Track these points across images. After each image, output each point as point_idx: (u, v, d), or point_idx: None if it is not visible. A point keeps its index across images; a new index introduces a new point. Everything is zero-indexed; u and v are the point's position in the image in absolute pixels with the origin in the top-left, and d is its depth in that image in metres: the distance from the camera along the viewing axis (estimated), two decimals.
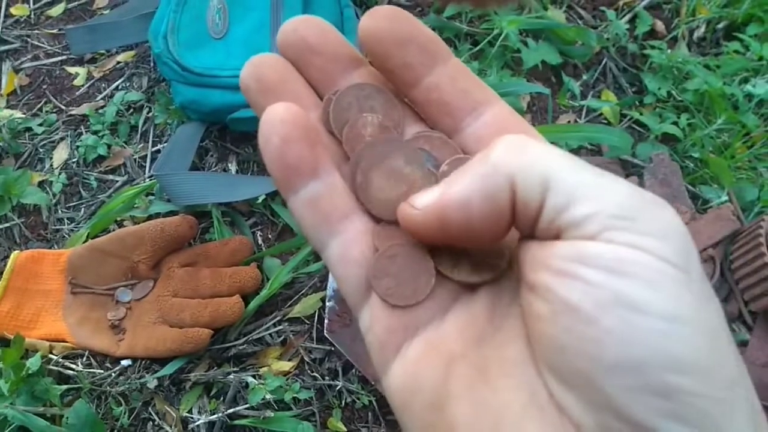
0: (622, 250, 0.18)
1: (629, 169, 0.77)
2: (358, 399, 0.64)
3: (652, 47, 0.86)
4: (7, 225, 0.75)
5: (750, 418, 0.18)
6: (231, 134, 0.78)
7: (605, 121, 0.82)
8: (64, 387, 0.64)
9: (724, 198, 0.74)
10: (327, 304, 0.66)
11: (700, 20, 0.90)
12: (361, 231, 0.23)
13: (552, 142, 0.74)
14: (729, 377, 0.18)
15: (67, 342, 0.67)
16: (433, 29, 0.85)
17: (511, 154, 0.20)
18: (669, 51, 0.86)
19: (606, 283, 0.18)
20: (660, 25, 0.90)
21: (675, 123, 0.79)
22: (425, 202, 0.21)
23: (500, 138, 0.20)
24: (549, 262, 0.19)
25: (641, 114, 0.80)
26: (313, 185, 0.22)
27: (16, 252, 0.70)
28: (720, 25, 0.89)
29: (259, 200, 0.73)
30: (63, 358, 0.66)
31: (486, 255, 0.22)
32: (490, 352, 0.21)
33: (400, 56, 0.23)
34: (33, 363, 0.63)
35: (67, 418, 0.60)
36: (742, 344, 0.68)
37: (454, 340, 0.21)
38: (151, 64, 0.85)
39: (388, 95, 0.24)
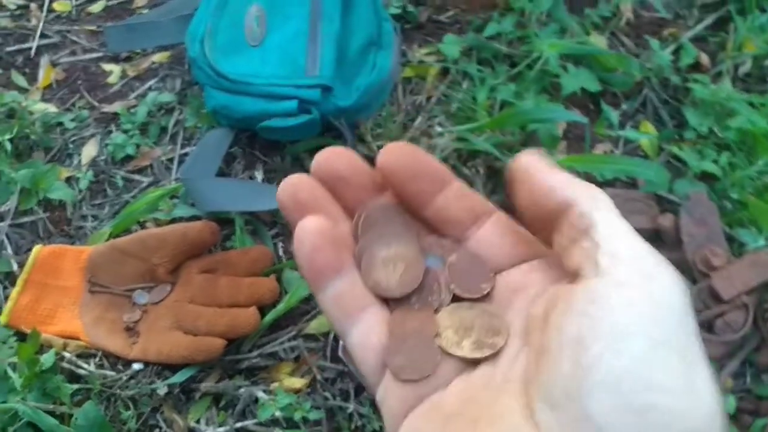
0: (625, 290, 0.21)
1: (665, 206, 0.74)
2: (369, 423, 0.62)
3: (696, 81, 0.83)
4: (32, 218, 0.75)
5: None
6: (260, 142, 0.78)
7: (642, 154, 0.80)
8: (75, 386, 0.64)
9: (762, 242, 0.71)
10: None
11: (747, 56, 0.87)
12: (377, 320, 0.27)
13: (586, 172, 0.72)
14: (707, 404, 0.20)
15: (81, 340, 0.67)
16: (471, 49, 0.85)
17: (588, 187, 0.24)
18: (713, 85, 0.83)
19: (604, 317, 0.21)
20: (705, 58, 0.88)
21: (715, 161, 0.76)
22: (530, 157, 0.26)
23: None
24: (569, 304, 0.22)
25: (680, 149, 0.78)
26: (337, 283, 0.27)
27: (39, 246, 0.70)
28: (767, 62, 0.86)
29: None
30: (76, 356, 0.66)
31: (486, 335, 0.26)
32: (483, 410, 0.24)
33: (415, 186, 0.27)
34: (47, 360, 0.63)
35: (75, 418, 0.60)
36: None
37: (452, 402, 0.25)
38: (185, 67, 0.85)
39: (405, 217, 0.29)
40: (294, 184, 0.28)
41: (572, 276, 0.24)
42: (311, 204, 0.28)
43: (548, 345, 0.22)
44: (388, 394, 0.26)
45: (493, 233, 0.28)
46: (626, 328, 0.21)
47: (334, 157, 0.28)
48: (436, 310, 0.27)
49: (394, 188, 0.28)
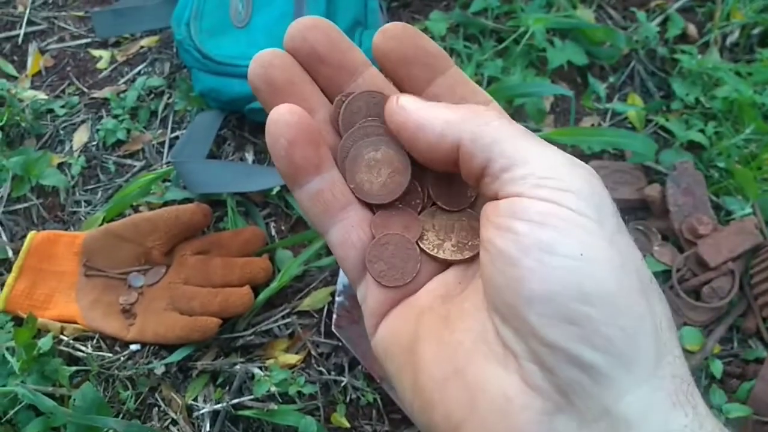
0: (544, 205, 0.22)
1: (652, 176, 0.75)
2: (363, 396, 0.63)
3: (683, 51, 0.83)
4: (25, 205, 0.76)
5: (654, 349, 0.21)
6: (249, 124, 0.78)
7: (630, 126, 0.80)
8: (74, 368, 0.65)
9: (748, 210, 0.72)
10: (336, 299, 0.66)
11: (735, 25, 0.87)
12: (358, 219, 0.27)
13: (573, 145, 0.72)
14: (636, 311, 0.21)
15: (78, 324, 0.68)
16: (458, 25, 0.85)
17: (472, 117, 0.24)
18: (700, 56, 0.83)
19: (529, 232, 0.22)
20: (692, 29, 0.88)
21: (702, 131, 0.77)
22: (406, 104, 0.25)
23: (472, 105, 0.25)
24: (491, 218, 0.23)
25: (667, 120, 0.78)
26: (316, 181, 0.26)
27: (33, 232, 0.71)
28: (755, 31, 0.87)
29: (274, 191, 0.73)
30: (74, 339, 0.67)
31: (466, 236, 0.26)
32: (452, 306, 0.25)
33: (406, 71, 0.27)
34: (44, 343, 0.64)
35: (74, 399, 0.61)
36: (758, 361, 0.66)
37: (425, 299, 0.26)
38: (174, 50, 0.85)
39: None
40: (266, 62, 0.26)
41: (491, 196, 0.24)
42: (287, 88, 0.26)
43: (483, 258, 0.23)
44: (368, 294, 0.27)
45: None
46: (549, 241, 0.21)
47: (310, 30, 0.26)
48: (419, 213, 0.27)
49: (387, 72, 0.27)
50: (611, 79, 0.84)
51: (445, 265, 0.26)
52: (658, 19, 0.88)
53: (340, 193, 0.26)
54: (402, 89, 0.27)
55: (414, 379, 0.24)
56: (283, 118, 0.24)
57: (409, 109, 0.25)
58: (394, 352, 0.25)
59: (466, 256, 0.26)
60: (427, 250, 0.26)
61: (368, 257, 0.26)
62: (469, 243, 0.26)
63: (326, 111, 0.27)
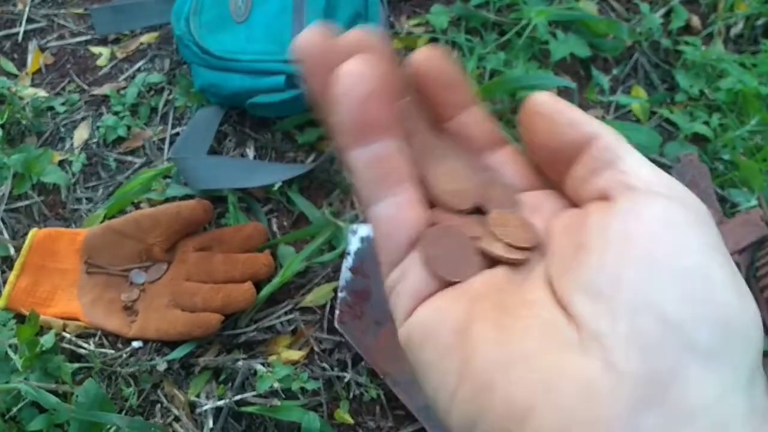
0: (667, 202, 0.22)
1: None
2: (367, 392, 0.63)
3: (687, 43, 0.83)
4: (26, 203, 0.76)
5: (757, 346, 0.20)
6: (250, 119, 0.78)
7: (634, 118, 0.80)
8: (76, 365, 0.65)
9: (754, 202, 0.71)
10: (339, 294, 0.66)
11: (739, 16, 0.86)
12: (414, 199, 0.25)
13: None
14: (753, 307, 0.20)
15: (80, 321, 0.67)
16: (460, 18, 0.84)
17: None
18: (704, 48, 0.83)
19: (656, 215, 0.21)
20: (696, 21, 0.87)
21: (706, 123, 0.76)
22: (550, 98, 0.25)
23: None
24: (609, 207, 0.22)
25: (671, 112, 0.78)
26: (382, 144, 0.24)
27: (35, 229, 0.71)
28: (759, 22, 0.86)
29: (276, 187, 0.73)
30: (76, 336, 0.67)
31: (519, 240, 0.25)
32: (511, 296, 0.23)
33: (446, 94, 0.26)
34: (47, 340, 0.64)
35: (77, 396, 0.61)
36: (765, 355, 0.66)
37: (479, 288, 0.24)
38: (174, 46, 0.85)
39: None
40: (322, 33, 0.24)
41: (596, 200, 0.24)
42: (342, 56, 0.24)
43: (589, 242, 0.22)
44: (410, 275, 0.25)
45: (506, 160, 0.28)
46: (677, 228, 0.21)
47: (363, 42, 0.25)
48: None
49: (425, 91, 0.27)
50: (614, 72, 0.83)
51: (493, 262, 0.25)
52: (662, 11, 0.87)
53: (402, 165, 0.24)
54: (434, 112, 0.27)
55: (465, 361, 0.22)
56: (358, 68, 0.22)
57: (555, 97, 0.25)
58: (439, 332, 0.23)
59: (518, 257, 0.25)
60: (484, 246, 0.25)
61: (427, 240, 0.25)
62: (522, 245, 0.25)
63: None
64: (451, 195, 0.26)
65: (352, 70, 0.22)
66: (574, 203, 0.25)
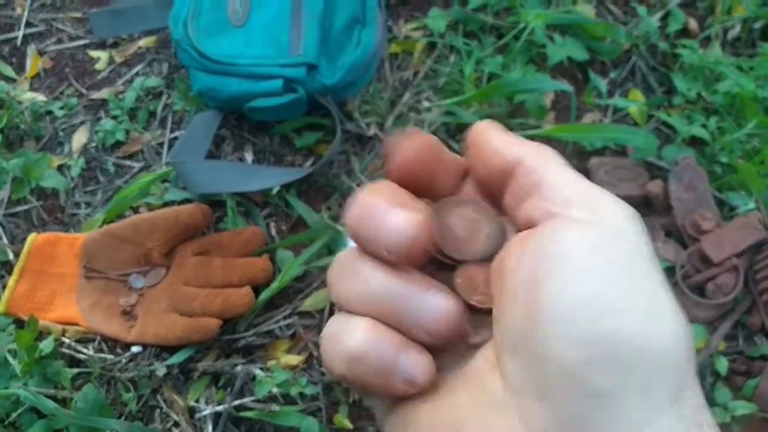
0: (577, 226, 0.22)
1: (654, 172, 0.75)
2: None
3: (684, 46, 0.83)
4: (25, 207, 0.76)
5: (677, 373, 0.20)
6: (248, 123, 0.78)
7: (631, 122, 0.80)
8: (75, 370, 0.65)
9: (752, 206, 0.71)
10: None
11: (736, 19, 0.86)
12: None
13: (575, 142, 0.72)
14: (668, 328, 0.20)
15: (79, 326, 0.67)
16: (457, 22, 0.84)
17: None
18: (701, 51, 0.83)
19: (558, 252, 0.21)
20: (693, 24, 0.87)
21: (704, 126, 0.76)
22: (481, 127, 0.26)
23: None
24: (522, 242, 0.23)
25: (669, 115, 0.78)
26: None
27: (33, 234, 0.71)
28: (757, 25, 0.86)
29: (274, 191, 0.73)
30: (75, 341, 0.67)
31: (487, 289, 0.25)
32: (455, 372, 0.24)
33: (435, 182, 0.26)
34: (46, 345, 0.64)
35: (76, 401, 0.61)
36: (764, 358, 0.66)
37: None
38: (172, 51, 0.85)
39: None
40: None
41: (524, 228, 0.23)
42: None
43: (505, 290, 0.22)
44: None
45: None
46: (578, 260, 0.20)
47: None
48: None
49: (407, 181, 0.26)
50: (612, 75, 0.83)
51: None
52: (659, 14, 0.87)
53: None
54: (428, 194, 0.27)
55: None
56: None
57: (487, 125, 0.26)
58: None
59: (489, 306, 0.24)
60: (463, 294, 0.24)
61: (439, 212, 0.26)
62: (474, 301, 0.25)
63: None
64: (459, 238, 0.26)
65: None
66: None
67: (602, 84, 0.82)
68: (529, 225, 0.23)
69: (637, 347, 0.19)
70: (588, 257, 0.20)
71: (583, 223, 0.21)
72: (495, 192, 0.26)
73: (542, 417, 0.20)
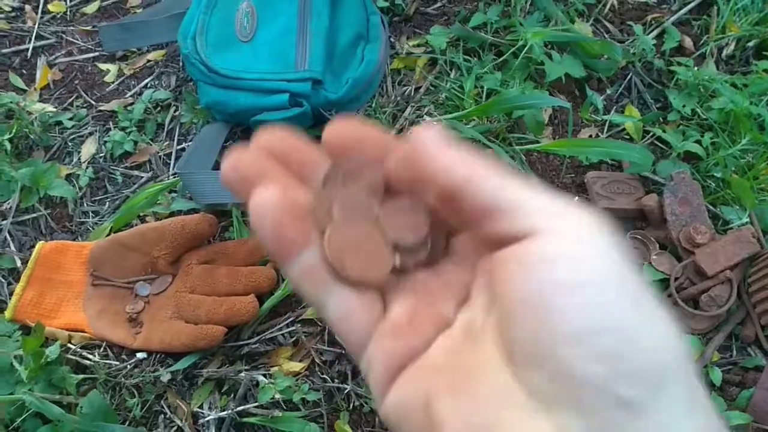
0: (556, 240, 0.22)
1: (649, 186, 0.76)
2: (366, 403, 0.64)
3: (679, 64, 0.85)
4: (34, 216, 0.77)
5: (687, 377, 0.21)
6: (254, 136, 0.79)
7: (627, 137, 0.82)
8: (81, 376, 0.66)
9: (745, 220, 0.73)
10: None
11: (730, 38, 0.89)
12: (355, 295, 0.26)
13: (572, 156, 0.74)
14: (670, 338, 0.21)
15: (85, 332, 0.69)
16: (458, 39, 0.87)
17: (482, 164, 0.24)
18: (696, 68, 0.85)
19: (548, 270, 0.22)
20: (688, 42, 0.89)
21: (698, 141, 0.78)
22: (432, 135, 0.25)
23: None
24: (505, 265, 0.23)
25: (664, 131, 0.80)
26: (305, 256, 0.26)
27: (41, 242, 0.72)
28: (750, 44, 0.88)
29: None
30: (81, 348, 0.68)
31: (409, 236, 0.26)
32: (468, 360, 0.24)
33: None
34: (52, 351, 0.65)
35: (81, 407, 0.62)
36: (757, 369, 0.67)
37: (436, 357, 0.25)
38: (180, 64, 0.87)
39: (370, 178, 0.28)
40: (238, 158, 0.26)
41: (498, 243, 0.24)
42: (260, 175, 0.26)
43: (509, 305, 0.23)
44: (372, 360, 0.26)
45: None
46: (577, 279, 0.21)
47: (275, 140, 0.28)
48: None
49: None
50: (609, 91, 0.85)
51: (444, 320, 0.26)
52: (655, 32, 0.89)
53: None
54: None
55: None
56: (266, 199, 0.24)
57: (433, 134, 0.25)
58: (409, 413, 0.24)
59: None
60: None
61: (331, 253, 0.26)
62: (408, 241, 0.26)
63: (301, 191, 0.28)
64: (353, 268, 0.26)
65: (260, 202, 0.24)
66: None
67: (599, 100, 0.84)
68: (500, 243, 0.23)
69: (652, 358, 0.21)
70: (577, 269, 0.21)
71: (561, 237, 0.22)
72: (433, 200, 0.26)
73: (579, 428, 0.21)
